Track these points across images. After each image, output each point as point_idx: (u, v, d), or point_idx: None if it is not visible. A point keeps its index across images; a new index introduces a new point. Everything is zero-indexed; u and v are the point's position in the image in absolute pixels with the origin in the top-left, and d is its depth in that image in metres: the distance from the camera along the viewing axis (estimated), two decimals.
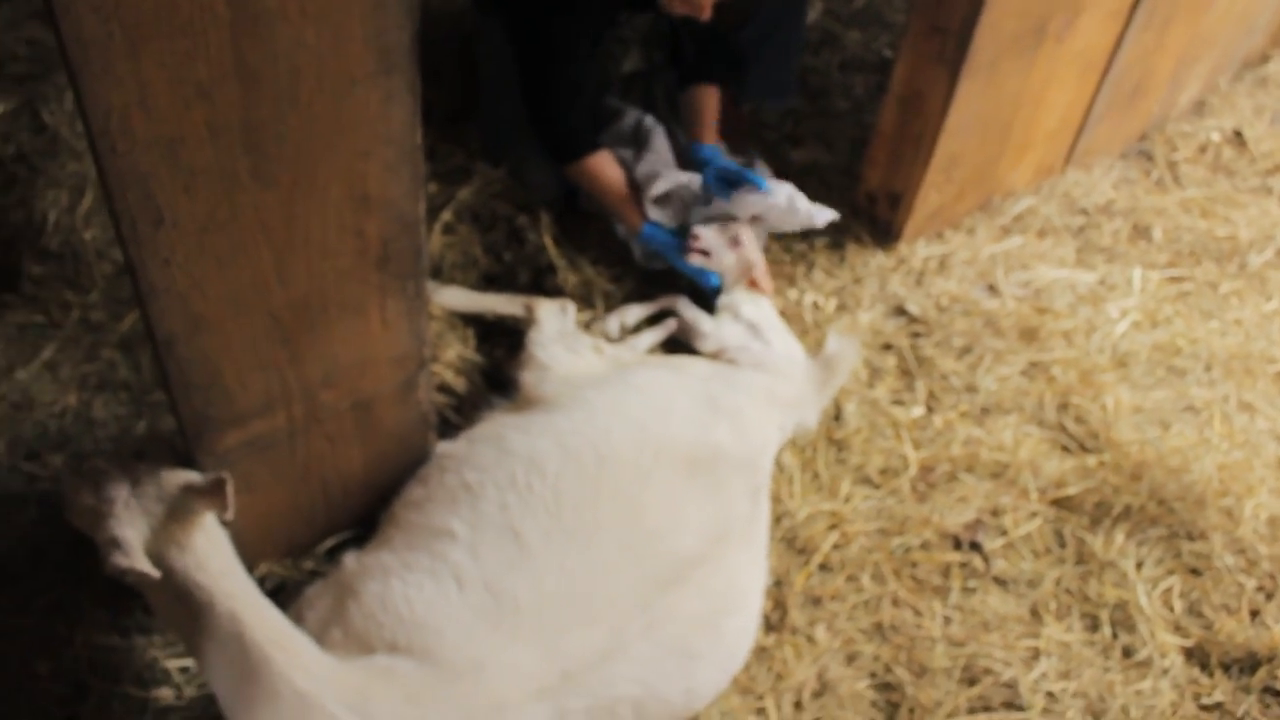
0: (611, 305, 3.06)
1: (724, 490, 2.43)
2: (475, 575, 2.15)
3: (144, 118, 1.60)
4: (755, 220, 3.02)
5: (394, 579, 2.17)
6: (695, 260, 2.95)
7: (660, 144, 3.20)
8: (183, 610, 1.98)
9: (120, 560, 1.87)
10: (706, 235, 2.94)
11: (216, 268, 1.84)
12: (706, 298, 3.01)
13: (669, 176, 3.09)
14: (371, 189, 1.93)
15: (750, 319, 2.94)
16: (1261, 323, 3.45)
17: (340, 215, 1.92)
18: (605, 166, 3.07)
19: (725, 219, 2.99)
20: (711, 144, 3.19)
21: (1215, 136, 4.12)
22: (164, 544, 1.96)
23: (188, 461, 2.10)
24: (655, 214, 3.07)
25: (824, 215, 2.96)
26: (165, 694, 2.30)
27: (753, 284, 3.02)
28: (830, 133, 3.74)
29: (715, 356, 2.88)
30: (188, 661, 2.33)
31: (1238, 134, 4.16)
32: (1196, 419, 3.11)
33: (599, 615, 2.16)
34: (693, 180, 3.10)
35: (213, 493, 1.96)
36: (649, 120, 3.28)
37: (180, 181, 1.70)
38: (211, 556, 1.99)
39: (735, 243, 2.95)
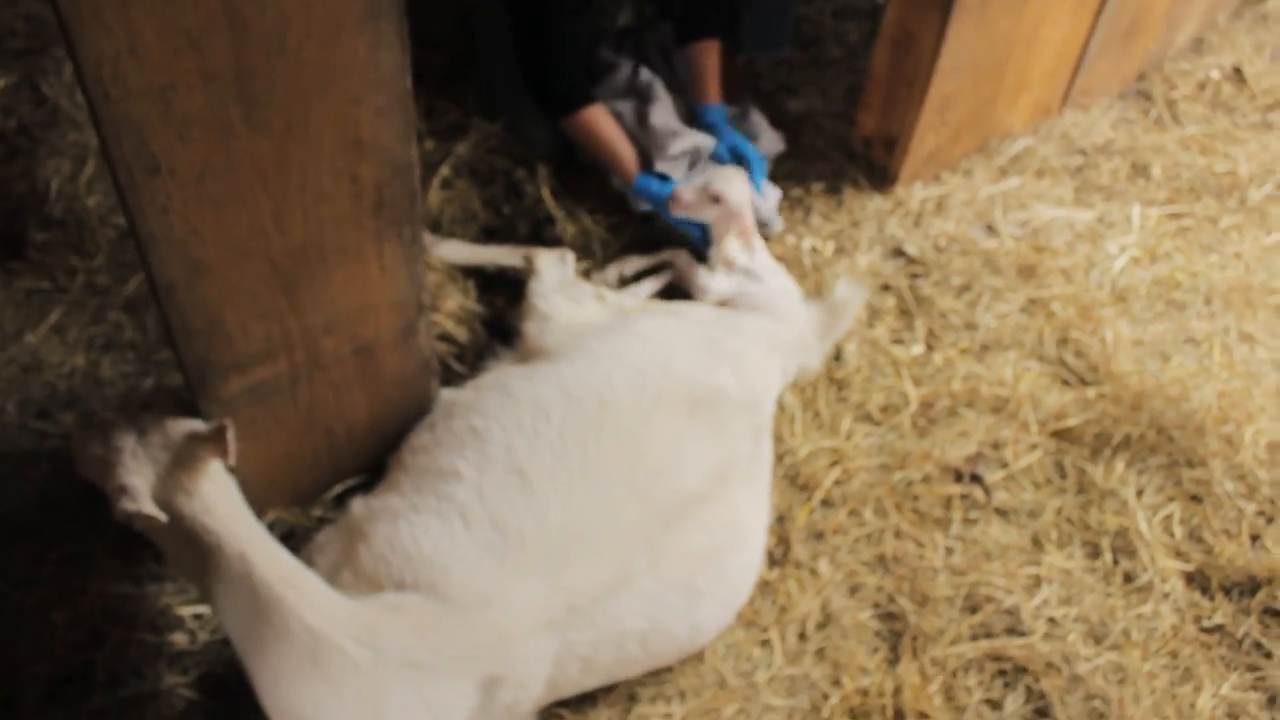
0: (610, 255, 3.10)
1: (726, 430, 2.45)
2: (481, 513, 2.18)
3: (135, 65, 1.63)
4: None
5: (402, 520, 2.20)
6: (679, 213, 2.98)
7: (664, 96, 3.22)
8: (192, 555, 2.02)
9: (128, 505, 1.91)
10: (686, 194, 2.96)
11: (214, 214, 1.87)
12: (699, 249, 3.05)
13: (688, 136, 3.12)
14: (364, 134, 1.96)
15: (747, 267, 2.96)
16: (1262, 256, 3.46)
17: (334, 161, 1.95)
18: (600, 119, 3.10)
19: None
20: (717, 104, 3.22)
21: (1214, 74, 4.12)
22: (171, 490, 1.99)
23: (193, 411, 2.14)
24: (666, 167, 3.10)
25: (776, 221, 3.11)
26: (179, 639, 2.35)
27: (743, 235, 3.03)
28: (825, 80, 3.75)
29: (717, 304, 2.91)
30: (200, 608, 2.38)
31: (1237, 71, 4.16)
32: (1196, 350, 3.13)
33: (604, 551, 2.19)
34: (706, 143, 3.14)
35: (216, 439, 2.00)
36: (645, 73, 3.30)
37: (174, 129, 1.73)
38: (218, 501, 2.02)
39: (716, 199, 2.97)
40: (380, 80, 1.91)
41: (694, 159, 3.14)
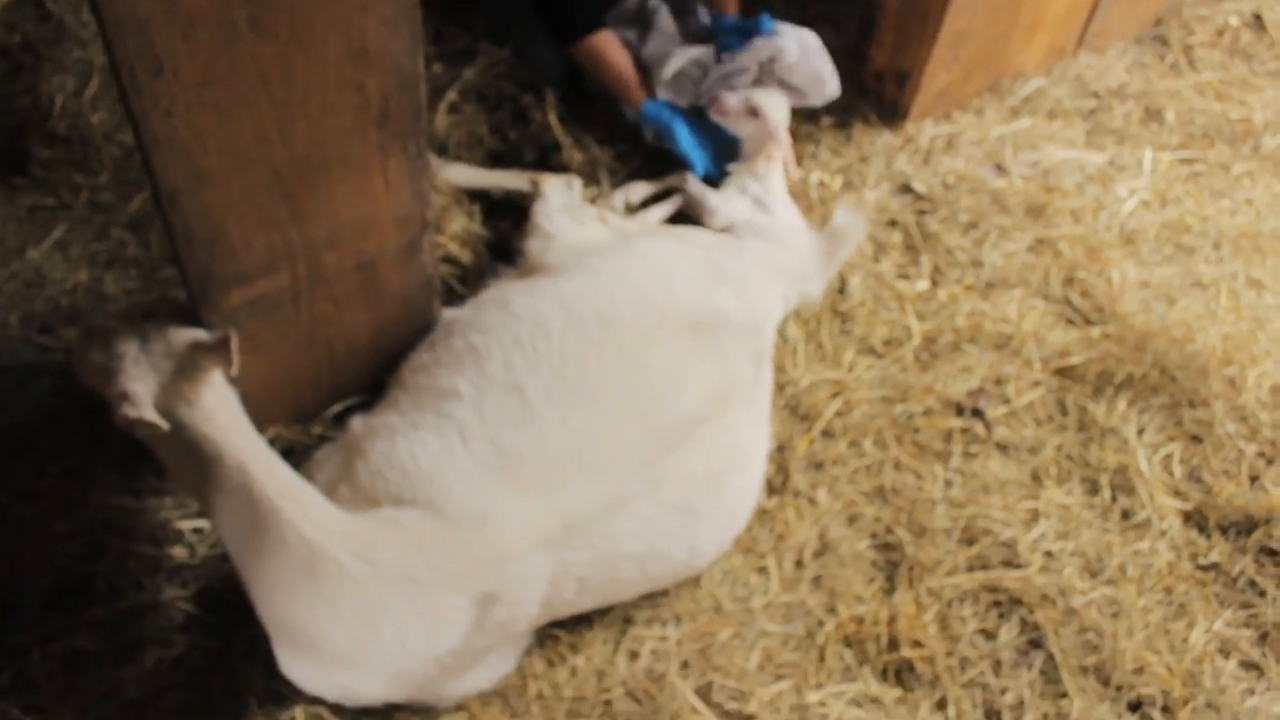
0: (617, 182, 3.08)
1: (727, 354, 2.45)
2: (480, 431, 2.19)
3: None
4: (770, 77, 3.04)
5: (400, 437, 2.21)
6: (715, 117, 2.99)
7: (665, 23, 3.19)
8: (192, 464, 2.02)
9: (130, 411, 1.91)
10: (729, 100, 2.98)
11: (217, 120, 1.86)
12: (715, 174, 3.04)
13: (680, 54, 3.10)
14: (370, 44, 1.94)
15: (756, 194, 2.95)
16: (1273, 202, 3.43)
17: (340, 70, 1.94)
18: (609, 46, 3.08)
19: (738, 74, 3.00)
20: (732, 13, 3.20)
21: (1233, 20, 4.07)
22: (173, 399, 1.99)
23: (195, 321, 2.14)
24: (665, 94, 3.08)
25: (833, 80, 3.01)
26: (179, 552, 2.37)
27: (772, 156, 3.02)
28: (837, 15, 3.72)
29: (722, 231, 2.90)
30: (200, 523, 2.40)
31: (1257, 17, 4.11)
32: (1203, 294, 3.11)
33: (602, 471, 2.20)
34: (703, 54, 3.11)
35: (219, 349, 2.00)
36: (652, 1, 3.27)
37: (178, 29, 1.72)
38: (219, 411, 2.02)
39: (754, 112, 2.96)
40: None
41: (695, 76, 3.10)
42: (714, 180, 3.03)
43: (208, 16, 1.74)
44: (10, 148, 2.96)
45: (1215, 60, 3.93)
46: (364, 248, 2.27)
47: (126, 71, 1.72)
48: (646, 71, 3.13)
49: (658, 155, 3.15)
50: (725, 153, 3.10)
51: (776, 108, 3.00)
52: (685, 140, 3.04)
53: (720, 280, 2.54)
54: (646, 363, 2.33)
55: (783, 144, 2.98)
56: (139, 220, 2.85)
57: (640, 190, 3.02)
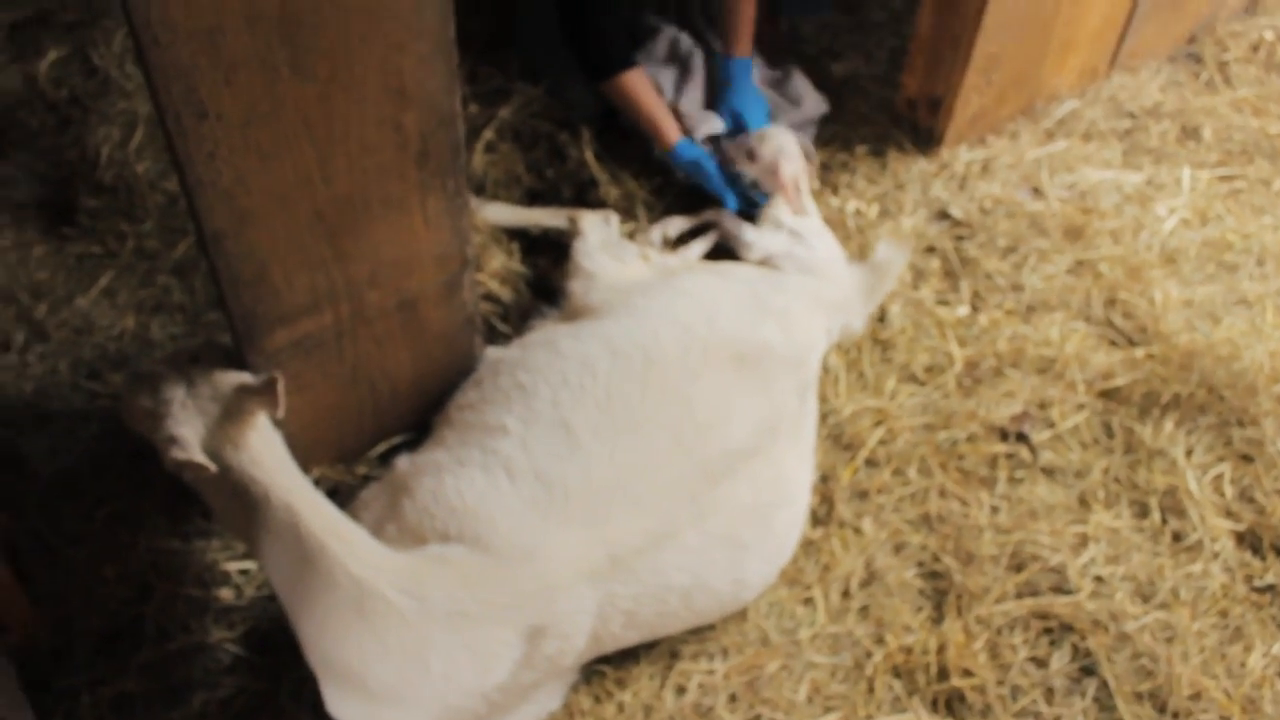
0: (654, 217, 3.10)
1: (772, 387, 2.44)
2: (526, 466, 2.19)
3: (183, 8, 1.65)
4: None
5: (446, 474, 2.21)
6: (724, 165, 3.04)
7: (700, 70, 3.22)
8: (239, 507, 2.04)
9: (178, 454, 1.93)
10: (727, 149, 3.07)
11: (260, 162, 1.89)
12: (750, 208, 3.05)
13: (714, 121, 3.14)
14: (408, 83, 1.97)
15: (793, 227, 2.95)
16: None
17: (379, 109, 1.97)
18: (639, 84, 3.09)
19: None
20: (741, 57, 3.21)
21: (1268, 35, 4.03)
22: (219, 442, 2.01)
23: (240, 363, 2.16)
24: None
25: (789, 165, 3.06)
26: (226, 594, 2.38)
27: (780, 191, 3.02)
28: (868, 44, 3.73)
29: (761, 264, 2.90)
30: (247, 564, 2.41)
31: None
32: (1248, 311, 3.08)
33: (648, 504, 2.19)
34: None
35: (265, 392, 2.01)
36: (686, 40, 3.29)
37: (221, 74, 1.75)
38: (265, 453, 2.04)
39: (750, 155, 2.98)
40: (423, 28, 1.92)
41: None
42: (749, 215, 3.04)
43: (250, 61, 1.77)
44: (59, 199, 3.03)
45: (1251, 76, 3.90)
46: (405, 286, 2.29)
47: (172, 117, 1.76)
48: (676, 110, 3.16)
49: (693, 190, 3.16)
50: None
51: (770, 148, 3.00)
52: (715, 179, 3.05)
53: (764, 314, 2.54)
54: (692, 396, 2.33)
55: (785, 183, 2.97)
56: (183, 266, 2.89)
57: (677, 225, 3.03)
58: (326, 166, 1.98)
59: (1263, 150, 3.61)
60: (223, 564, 2.40)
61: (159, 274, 2.89)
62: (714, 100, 3.23)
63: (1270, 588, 2.54)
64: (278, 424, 2.10)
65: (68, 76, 3.29)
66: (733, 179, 3.05)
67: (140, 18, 1.63)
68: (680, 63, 3.27)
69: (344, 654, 1.97)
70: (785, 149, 3.00)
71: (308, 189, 1.98)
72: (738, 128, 3.15)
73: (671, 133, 3.08)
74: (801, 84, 3.40)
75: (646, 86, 3.11)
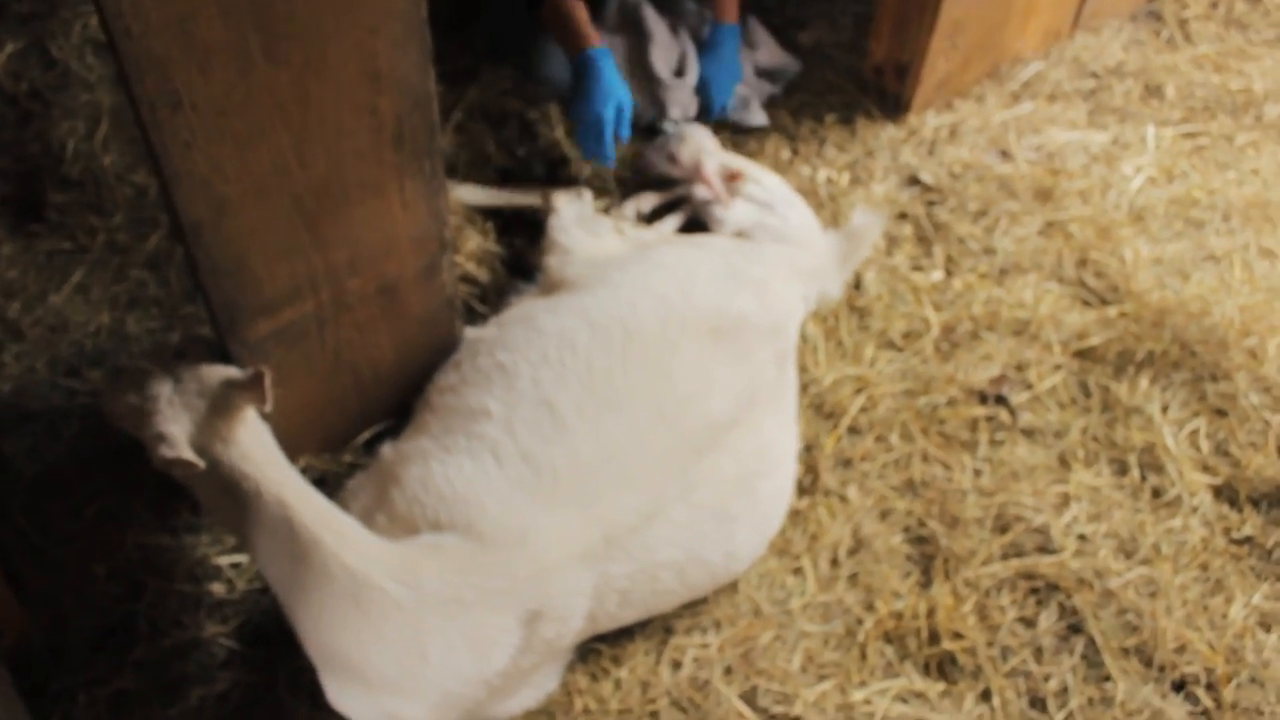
0: (626, 192, 3.09)
1: (751, 357, 2.45)
2: (512, 449, 2.19)
3: None
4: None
5: (433, 461, 2.21)
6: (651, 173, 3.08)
7: (657, 30, 3.21)
8: (230, 502, 2.03)
9: (167, 452, 1.92)
10: (650, 156, 3.07)
11: (236, 150, 1.87)
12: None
13: (680, 89, 3.16)
14: (381, 65, 1.95)
15: (761, 198, 2.95)
16: None
17: (353, 93, 1.95)
18: (573, 3, 3.05)
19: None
20: (730, 24, 3.23)
21: None
22: (208, 438, 2.00)
23: (223, 354, 2.15)
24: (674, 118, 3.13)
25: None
26: (218, 588, 2.37)
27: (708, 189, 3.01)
28: (833, 12, 3.73)
29: (734, 236, 2.90)
30: (238, 557, 2.40)
31: None
32: (1216, 267, 3.12)
33: (636, 481, 2.20)
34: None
35: (252, 386, 2.00)
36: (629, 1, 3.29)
37: (194, 62, 1.73)
38: (255, 447, 2.03)
39: (672, 160, 3.01)
40: (395, 10, 1.90)
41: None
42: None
43: (223, 48, 1.75)
44: (25, 195, 2.97)
45: (1211, 32, 3.94)
46: (385, 271, 2.27)
47: (146, 108, 1.74)
48: (643, 85, 3.16)
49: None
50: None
51: (692, 150, 3.00)
52: (601, 83, 2.94)
53: (740, 284, 2.54)
54: (672, 369, 2.33)
55: (710, 180, 2.96)
56: (156, 259, 2.86)
57: (650, 200, 3.03)
58: (303, 153, 1.97)
59: (1225, 106, 3.64)
60: (213, 558, 2.39)
61: (132, 268, 2.85)
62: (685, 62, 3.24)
63: (1248, 539, 2.58)
64: (265, 416, 2.09)
65: (26, 70, 3.22)
66: (598, 129, 2.93)
67: (112, 8, 1.61)
68: (632, 25, 3.25)
69: (342, 645, 1.96)
70: (704, 146, 3.01)
71: (285, 176, 1.97)
72: (700, 93, 3.16)
73: (593, 37, 3.02)
74: (761, 33, 3.42)
75: (579, 5, 3.06)
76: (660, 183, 3.09)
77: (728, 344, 2.43)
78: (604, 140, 2.88)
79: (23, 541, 2.41)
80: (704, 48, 3.25)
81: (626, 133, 2.93)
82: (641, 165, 3.09)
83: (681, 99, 3.14)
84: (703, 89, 3.21)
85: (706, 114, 3.23)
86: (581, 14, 3.03)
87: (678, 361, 2.35)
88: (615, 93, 2.91)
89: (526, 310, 2.50)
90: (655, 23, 3.21)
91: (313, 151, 1.97)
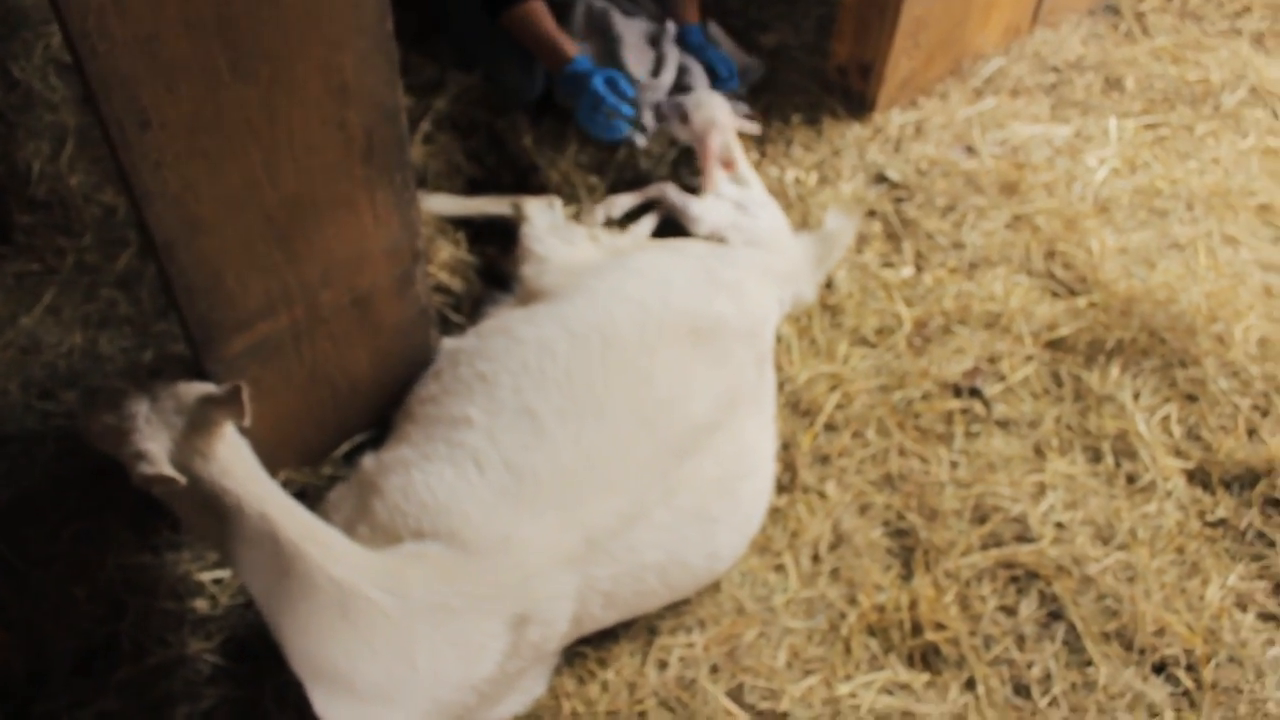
0: (596, 199, 3.10)
1: (729, 359, 2.47)
2: (494, 457, 2.19)
3: (119, 16, 1.63)
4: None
5: (414, 470, 2.21)
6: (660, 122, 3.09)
7: (627, 33, 3.22)
8: (212, 518, 2.02)
9: (147, 469, 1.91)
10: (663, 108, 3.10)
11: (207, 168, 1.87)
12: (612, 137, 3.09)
13: (655, 89, 3.19)
14: (349, 79, 1.96)
15: (736, 198, 2.98)
16: (1239, 159, 3.48)
17: (321, 108, 1.95)
18: (537, 12, 3.10)
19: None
20: (697, 22, 3.29)
21: None
22: (187, 455, 1.99)
23: (199, 372, 2.15)
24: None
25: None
26: (201, 605, 2.36)
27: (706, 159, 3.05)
28: (795, 14, 3.76)
29: (709, 238, 2.92)
30: (220, 573, 2.40)
31: None
32: (1181, 255, 3.15)
33: (618, 484, 2.21)
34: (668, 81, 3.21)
35: (230, 402, 2.00)
36: (597, 4, 3.30)
37: (162, 80, 1.73)
38: (235, 462, 2.02)
39: (684, 119, 3.04)
40: (362, 25, 1.91)
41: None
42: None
43: (190, 65, 1.75)
44: None
45: (1167, 25, 3.99)
46: (358, 283, 2.28)
47: (114, 127, 1.73)
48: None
49: (634, 168, 3.18)
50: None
51: (705, 119, 3.03)
52: (586, 101, 3.02)
53: (716, 287, 2.56)
54: (651, 374, 2.35)
55: (709, 153, 3.00)
56: (127, 278, 2.85)
57: (622, 203, 3.04)
58: (273, 169, 1.97)
59: (1183, 97, 3.69)
60: (195, 574, 2.38)
61: (102, 287, 2.84)
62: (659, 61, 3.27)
63: (1222, 521, 2.62)
64: (243, 431, 2.08)
65: None
66: (595, 104, 3.02)
67: (77, 28, 1.61)
68: (600, 29, 3.26)
69: (329, 657, 1.96)
70: (718, 120, 3.03)
71: (256, 192, 1.97)
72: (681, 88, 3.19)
73: (569, 49, 3.08)
74: (722, 37, 3.46)
75: (544, 14, 3.10)
76: (630, 184, 3.11)
77: (706, 347, 2.45)
78: (606, 104, 2.98)
79: (1, 565, 2.40)
80: (685, 47, 3.28)
81: (630, 90, 3.02)
82: (660, 118, 3.11)
83: (658, 99, 3.15)
84: (710, 74, 3.27)
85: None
86: (547, 25, 3.05)
87: (657, 366, 2.37)
88: (601, 73, 3.00)
89: (505, 320, 2.51)
90: (624, 26, 3.23)
91: (283, 167, 1.97)
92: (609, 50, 3.21)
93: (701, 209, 2.93)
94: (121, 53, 1.66)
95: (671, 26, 3.29)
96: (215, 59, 1.77)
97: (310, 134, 1.97)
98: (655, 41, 3.28)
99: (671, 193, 3.01)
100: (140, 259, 2.87)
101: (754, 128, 3.14)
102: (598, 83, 2.98)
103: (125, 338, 2.75)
